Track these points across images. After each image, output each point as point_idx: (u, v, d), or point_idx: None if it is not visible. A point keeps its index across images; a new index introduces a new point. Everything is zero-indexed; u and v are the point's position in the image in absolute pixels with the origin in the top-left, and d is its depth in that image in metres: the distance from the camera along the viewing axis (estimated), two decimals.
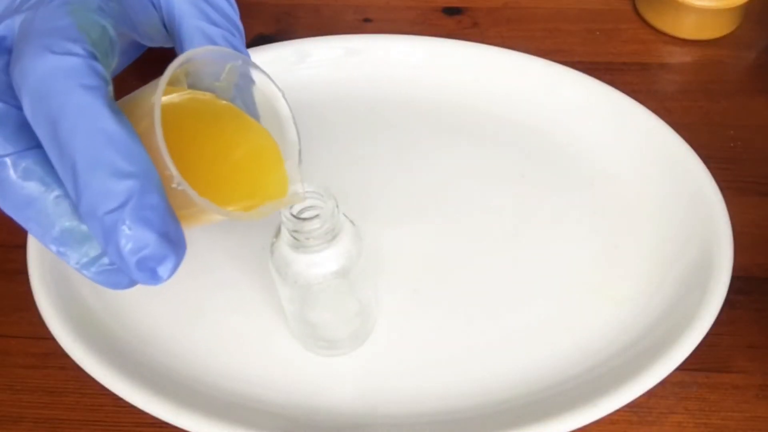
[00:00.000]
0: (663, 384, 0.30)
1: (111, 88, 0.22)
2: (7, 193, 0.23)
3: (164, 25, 0.29)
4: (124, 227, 0.21)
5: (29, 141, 0.23)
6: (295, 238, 0.27)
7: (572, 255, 0.37)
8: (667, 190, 0.37)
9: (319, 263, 0.28)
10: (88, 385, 0.32)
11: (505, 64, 0.42)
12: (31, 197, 0.23)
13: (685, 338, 0.31)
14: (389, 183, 0.40)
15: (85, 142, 0.20)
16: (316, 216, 0.27)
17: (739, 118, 0.42)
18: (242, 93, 0.26)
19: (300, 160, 0.26)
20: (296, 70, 0.43)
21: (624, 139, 0.40)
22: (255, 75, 0.26)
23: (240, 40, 0.29)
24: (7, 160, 0.22)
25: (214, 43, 0.28)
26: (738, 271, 0.34)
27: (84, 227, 0.23)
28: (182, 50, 0.28)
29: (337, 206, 0.27)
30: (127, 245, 0.21)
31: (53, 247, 0.23)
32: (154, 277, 0.22)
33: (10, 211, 0.23)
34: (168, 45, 0.30)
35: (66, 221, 0.23)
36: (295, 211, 0.27)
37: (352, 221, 0.30)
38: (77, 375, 0.32)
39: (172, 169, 0.21)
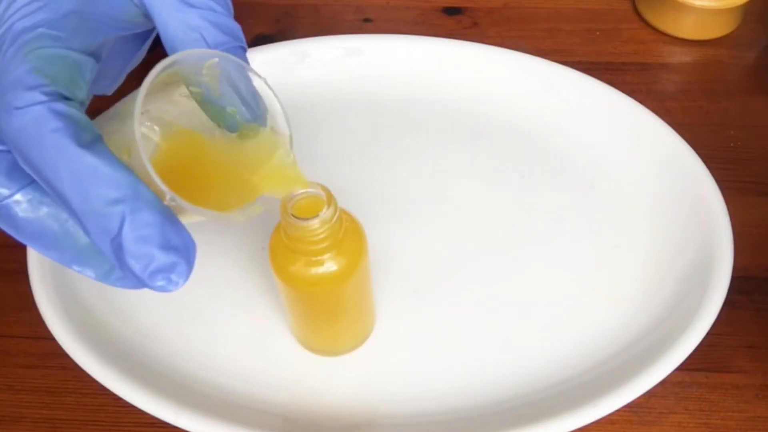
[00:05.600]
0: (663, 384, 0.30)
1: (83, 115, 0.23)
2: (20, 228, 0.24)
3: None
4: (127, 249, 0.22)
5: (25, 178, 0.24)
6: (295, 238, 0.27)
7: (572, 255, 0.37)
8: (667, 190, 0.37)
9: (319, 263, 0.28)
10: (89, 385, 0.32)
11: (505, 64, 0.42)
12: (42, 227, 0.24)
13: (685, 338, 0.31)
14: (389, 183, 0.40)
15: (70, 183, 0.22)
16: (316, 217, 0.27)
17: (739, 118, 0.42)
18: (236, 83, 0.26)
19: (291, 143, 0.27)
20: (296, 70, 0.43)
21: (624, 139, 0.40)
22: (233, 66, 0.26)
23: (223, 15, 0.28)
24: (9, 201, 0.24)
25: (189, 26, 0.27)
26: (738, 271, 0.33)
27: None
28: (162, 36, 0.27)
29: (337, 207, 0.27)
30: (135, 265, 0.22)
31: (74, 267, 0.25)
32: (170, 284, 0.23)
33: (28, 243, 0.25)
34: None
35: (79, 242, 0.25)
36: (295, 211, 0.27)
37: (352, 221, 0.30)
38: (77, 375, 0.32)
39: (161, 186, 0.22)
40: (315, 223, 0.27)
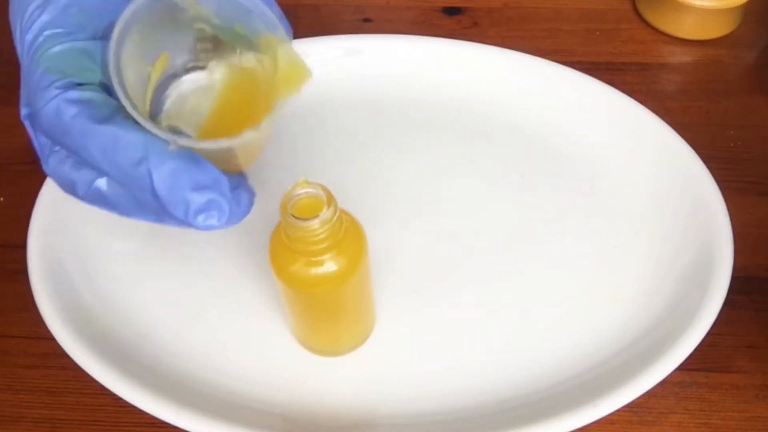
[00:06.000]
0: (663, 384, 0.30)
1: (99, 93, 0.25)
2: (114, 204, 0.26)
3: None
4: (164, 199, 0.23)
5: None
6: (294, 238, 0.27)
7: (572, 255, 0.37)
8: (667, 190, 0.37)
9: (319, 263, 0.28)
10: (89, 385, 0.32)
11: (505, 64, 0.42)
12: (129, 198, 0.25)
13: (685, 338, 0.31)
14: (389, 183, 0.40)
15: (101, 157, 0.24)
16: (316, 217, 0.27)
17: (739, 118, 0.42)
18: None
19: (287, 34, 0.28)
20: None
21: (624, 139, 0.40)
22: None
23: None
24: (96, 184, 0.25)
25: None
26: (738, 271, 0.33)
27: None
28: None
29: (337, 207, 0.27)
30: (177, 211, 0.24)
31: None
32: (212, 219, 0.24)
33: (126, 215, 0.26)
34: None
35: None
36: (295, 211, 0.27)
37: (352, 221, 0.30)
38: (77, 375, 0.32)
39: (157, 132, 0.23)
40: (315, 224, 0.27)
